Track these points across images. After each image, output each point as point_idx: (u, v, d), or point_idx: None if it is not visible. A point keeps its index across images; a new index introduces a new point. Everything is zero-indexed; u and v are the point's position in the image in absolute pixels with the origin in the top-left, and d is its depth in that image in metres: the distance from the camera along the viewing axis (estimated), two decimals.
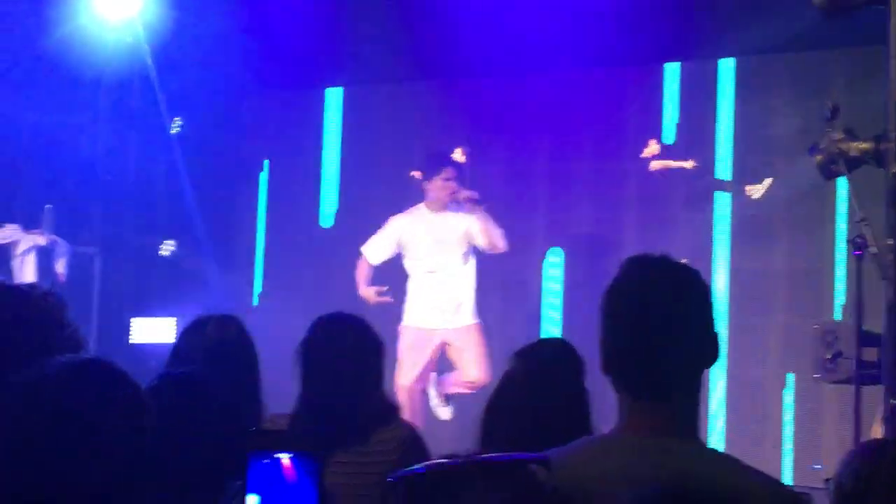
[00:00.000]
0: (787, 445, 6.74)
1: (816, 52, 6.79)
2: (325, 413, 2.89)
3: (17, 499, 1.53)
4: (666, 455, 1.71)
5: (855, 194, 4.60)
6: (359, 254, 6.73)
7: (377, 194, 7.68)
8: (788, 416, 6.77)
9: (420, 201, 6.66)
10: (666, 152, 7.19)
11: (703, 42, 6.94)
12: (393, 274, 6.68)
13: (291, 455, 1.37)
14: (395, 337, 6.26)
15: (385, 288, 6.53)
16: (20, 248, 7.80)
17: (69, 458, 1.59)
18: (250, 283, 8.39)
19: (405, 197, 6.99)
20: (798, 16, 5.60)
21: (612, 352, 1.79)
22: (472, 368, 6.31)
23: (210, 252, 8.07)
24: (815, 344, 5.12)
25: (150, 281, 7.94)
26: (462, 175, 6.59)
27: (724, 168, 7.17)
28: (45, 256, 7.76)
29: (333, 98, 8.37)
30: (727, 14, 6.82)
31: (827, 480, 2.25)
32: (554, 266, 7.57)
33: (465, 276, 6.49)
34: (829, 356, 4.99)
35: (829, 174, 4.82)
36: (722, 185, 7.15)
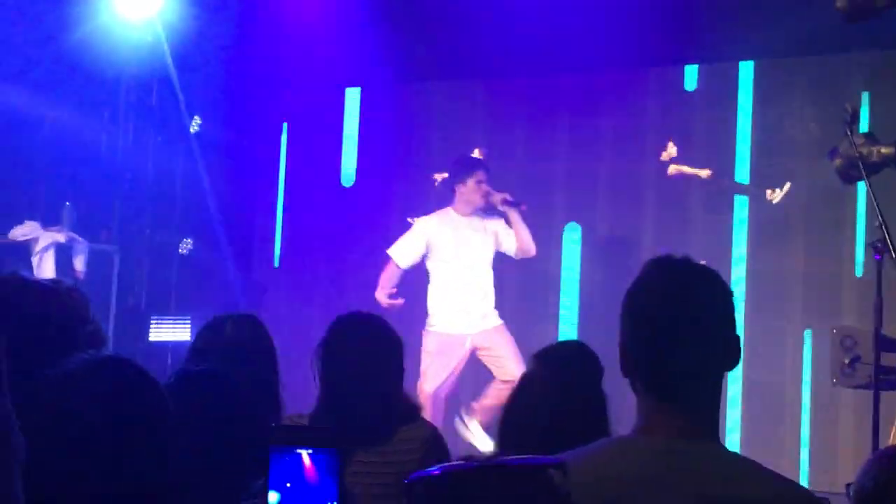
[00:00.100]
0: (804, 450, 6.71)
1: (837, 55, 6.76)
2: (345, 413, 2.87)
3: (40, 494, 1.53)
4: (686, 458, 1.71)
5: (874, 198, 4.58)
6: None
7: (392, 201, 7.70)
8: (805, 421, 6.74)
9: (433, 202, 6.62)
10: (684, 155, 7.17)
11: (724, 44, 6.92)
12: (407, 276, 6.64)
13: (312, 451, 1.37)
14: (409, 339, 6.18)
15: (394, 290, 6.47)
16: (39, 245, 7.85)
17: (90, 454, 1.60)
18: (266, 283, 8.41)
19: (421, 193, 6.96)
20: (819, 18, 5.58)
21: (633, 353, 1.79)
22: (511, 365, 6.13)
23: (228, 251, 8.09)
24: (834, 349, 5.09)
25: (168, 279, 7.97)
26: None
27: (742, 171, 7.14)
28: (63, 254, 7.80)
29: (352, 98, 8.38)
30: (747, 16, 6.79)
31: (847, 486, 2.24)
32: (571, 267, 7.56)
33: (490, 280, 6.42)
34: (847, 361, 4.97)
35: (849, 179, 4.80)
36: (740, 189, 7.12)
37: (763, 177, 7.03)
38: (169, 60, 7.65)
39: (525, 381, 2.78)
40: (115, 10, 7.43)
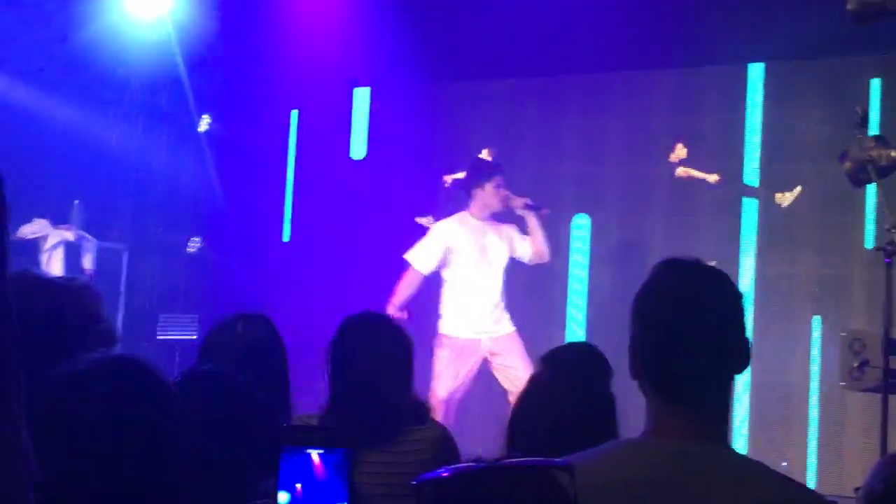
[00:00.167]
0: (811, 453, 6.70)
1: (847, 58, 6.75)
2: (355, 413, 2.87)
3: (48, 491, 1.53)
4: (696, 460, 1.70)
5: (885, 201, 4.57)
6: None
7: (403, 197, 7.69)
8: (813, 424, 6.73)
9: (443, 204, 6.59)
10: (693, 156, 7.17)
11: (733, 46, 6.90)
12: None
13: (322, 451, 1.37)
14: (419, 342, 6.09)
15: (409, 299, 6.37)
16: (49, 243, 7.88)
17: (99, 454, 1.60)
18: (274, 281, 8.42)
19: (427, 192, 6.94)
20: (829, 20, 5.57)
21: (643, 355, 1.78)
22: (522, 375, 6.04)
23: (237, 249, 8.11)
24: (843, 352, 5.08)
25: (176, 277, 7.99)
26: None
27: (752, 173, 7.13)
28: (73, 252, 7.83)
29: (361, 98, 8.39)
30: (757, 18, 6.78)
31: (856, 489, 2.23)
32: (580, 266, 7.55)
33: (503, 285, 6.37)
34: (856, 364, 4.95)
35: (859, 182, 4.79)
36: (750, 191, 7.10)
37: (772, 179, 7.02)
38: (179, 59, 7.67)
39: (533, 382, 2.77)
40: (125, 9, 7.46)
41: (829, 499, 1.90)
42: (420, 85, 8.02)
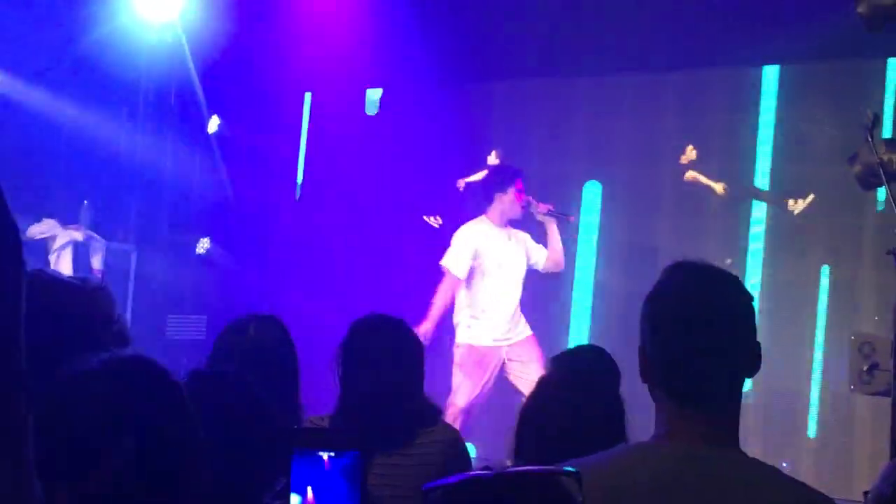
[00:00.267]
0: (820, 456, 6.68)
1: (857, 61, 6.73)
2: (366, 415, 2.87)
3: (52, 492, 1.54)
4: (707, 464, 1.70)
5: (894, 204, 4.55)
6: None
7: (413, 199, 7.69)
8: (822, 427, 6.71)
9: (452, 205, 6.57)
10: (703, 159, 7.15)
11: (745, 49, 6.89)
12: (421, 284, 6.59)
13: (334, 454, 1.37)
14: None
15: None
16: (57, 243, 7.90)
17: (108, 453, 1.60)
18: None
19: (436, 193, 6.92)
20: (841, 23, 5.55)
21: (654, 358, 1.77)
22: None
23: (245, 251, 8.12)
24: (852, 355, 5.06)
25: (184, 278, 8.00)
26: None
27: (762, 175, 7.12)
28: (81, 252, 7.85)
29: (373, 99, 8.40)
30: (769, 21, 6.76)
31: (865, 493, 2.23)
32: (586, 268, 7.54)
33: (520, 291, 6.32)
34: (865, 368, 4.94)
35: (868, 185, 4.77)
36: (761, 195, 7.08)
37: (783, 182, 7.00)
38: (189, 61, 7.69)
39: (542, 385, 2.76)
40: (135, 11, 7.47)
41: (839, 503, 1.90)
42: (430, 87, 8.02)
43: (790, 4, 6.71)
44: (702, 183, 7.12)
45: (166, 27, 7.55)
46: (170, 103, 8.00)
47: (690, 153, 7.14)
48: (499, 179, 6.33)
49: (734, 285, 1.80)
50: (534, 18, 7.31)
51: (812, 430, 6.74)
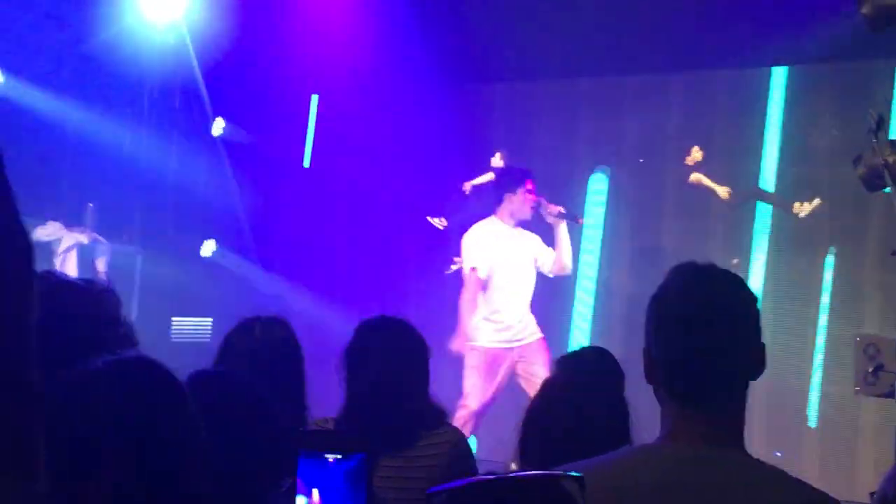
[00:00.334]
0: (824, 457, 6.67)
1: (862, 63, 6.72)
2: (371, 418, 2.87)
3: (57, 491, 1.54)
4: (711, 465, 1.70)
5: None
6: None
7: (418, 199, 7.69)
8: (826, 429, 6.70)
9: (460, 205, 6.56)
10: (709, 160, 7.15)
11: (751, 50, 6.88)
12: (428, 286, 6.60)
13: (340, 456, 1.37)
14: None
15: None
16: (62, 246, 7.90)
17: (112, 452, 1.60)
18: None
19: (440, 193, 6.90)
20: (846, 25, 5.55)
21: (659, 359, 1.77)
22: None
23: (251, 252, 8.12)
24: (857, 357, 5.06)
25: (190, 280, 8.00)
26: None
27: (768, 177, 7.11)
28: (86, 254, 7.85)
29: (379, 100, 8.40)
30: (775, 22, 6.75)
31: (871, 494, 2.23)
32: (588, 267, 7.53)
33: (531, 292, 6.31)
34: (870, 369, 4.93)
35: (873, 186, 4.77)
36: (766, 197, 7.07)
37: (788, 183, 7.00)
38: (194, 63, 7.69)
39: (547, 386, 2.77)
40: (140, 12, 7.48)
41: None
42: (434, 88, 8.02)
43: (796, 6, 6.70)
44: (707, 186, 7.11)
45: (171, 28, 7.56)
46: (175, 105, 8.00)
47: (696, 154, 7.13)
48: (508, 179, 6.34)
49: (737, 286, 1.80)
50: (536, 19, 7.31)
51: (816, 430, 6.73)
